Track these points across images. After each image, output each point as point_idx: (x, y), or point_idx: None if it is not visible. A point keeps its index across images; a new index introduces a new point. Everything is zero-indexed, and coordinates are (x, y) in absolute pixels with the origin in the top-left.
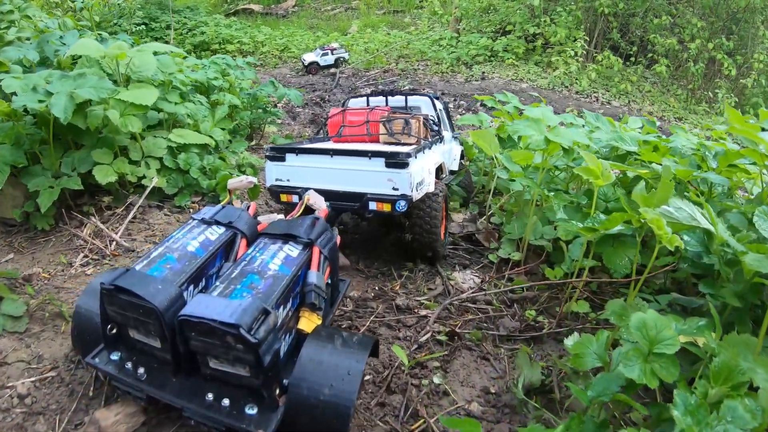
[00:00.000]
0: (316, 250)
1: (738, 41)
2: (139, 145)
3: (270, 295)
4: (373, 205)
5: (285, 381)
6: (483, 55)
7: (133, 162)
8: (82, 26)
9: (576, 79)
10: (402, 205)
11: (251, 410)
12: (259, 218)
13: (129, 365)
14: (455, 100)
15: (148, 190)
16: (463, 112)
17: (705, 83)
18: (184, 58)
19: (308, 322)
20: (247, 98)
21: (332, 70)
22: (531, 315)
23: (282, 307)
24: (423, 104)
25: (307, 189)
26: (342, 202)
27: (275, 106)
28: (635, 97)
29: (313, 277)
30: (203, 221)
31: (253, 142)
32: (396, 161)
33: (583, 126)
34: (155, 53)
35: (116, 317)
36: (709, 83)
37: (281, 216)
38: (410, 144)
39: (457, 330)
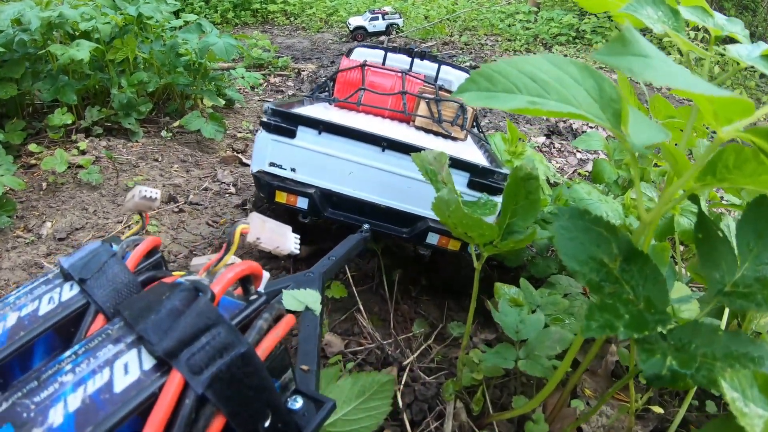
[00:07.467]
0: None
1: None
2: None
3: None
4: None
5: None
6: (566, 36)
7: None
8: None
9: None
10: None
11: None
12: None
13: None
14: None
15: None
16: None
17: None
18: None
19: None
20: (162, 51)
21: (381, 37)
22: None
23: None
24: (456, 81)
25: (321, 188)
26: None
27: (273, 69)
28: None
29: None
30: None
31: (176, 124)
32: (487, 183)
33: None
34: None
35: None
36: None
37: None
38: (460, 139)
39: None
